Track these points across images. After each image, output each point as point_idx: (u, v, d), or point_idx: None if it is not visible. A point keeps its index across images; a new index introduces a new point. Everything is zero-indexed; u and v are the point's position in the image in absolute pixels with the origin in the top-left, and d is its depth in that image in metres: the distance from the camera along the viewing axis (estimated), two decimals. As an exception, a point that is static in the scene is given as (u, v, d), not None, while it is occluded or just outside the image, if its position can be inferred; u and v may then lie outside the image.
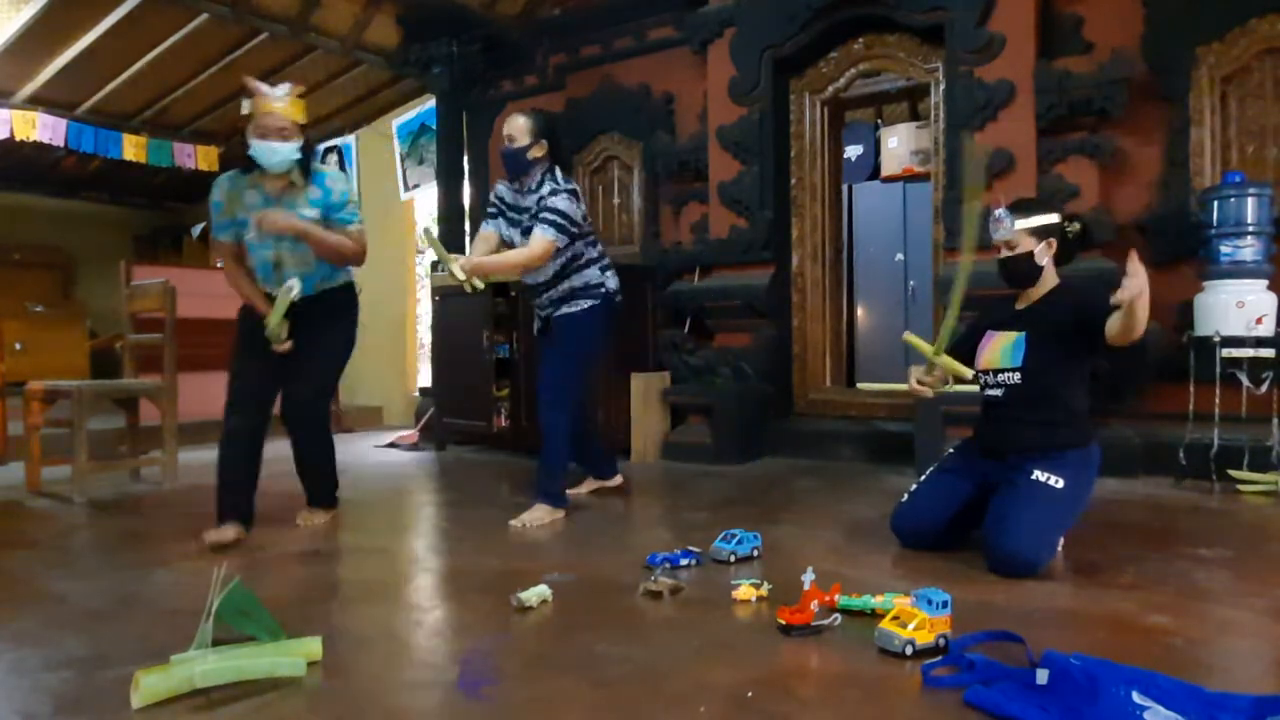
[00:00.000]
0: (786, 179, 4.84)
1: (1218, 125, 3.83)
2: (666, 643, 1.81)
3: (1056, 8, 4.13)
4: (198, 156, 6.88)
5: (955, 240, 4.07)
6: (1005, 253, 2.51)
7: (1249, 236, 3.45)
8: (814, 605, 1.86)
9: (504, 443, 5.00)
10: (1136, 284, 2.09)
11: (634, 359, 4.77)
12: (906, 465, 4.01)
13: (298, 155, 2.75)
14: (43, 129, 6.08)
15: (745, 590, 2.07)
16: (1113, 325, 2.22)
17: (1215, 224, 3.51)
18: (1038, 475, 2.35)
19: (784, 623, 1.83)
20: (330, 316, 2.99)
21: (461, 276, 2.87)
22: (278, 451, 2.98)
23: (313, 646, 1.71)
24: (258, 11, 5.45)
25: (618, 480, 3.66)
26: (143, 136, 6.71)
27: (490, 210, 3.27)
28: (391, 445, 5.54)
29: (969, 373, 2.47)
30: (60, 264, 8.84)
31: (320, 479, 3.12)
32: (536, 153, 3.07)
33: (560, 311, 3.18)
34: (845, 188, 6.00)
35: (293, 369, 2.89)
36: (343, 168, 7.36)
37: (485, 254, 3.14)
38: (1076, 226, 2.54)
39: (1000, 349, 2.52)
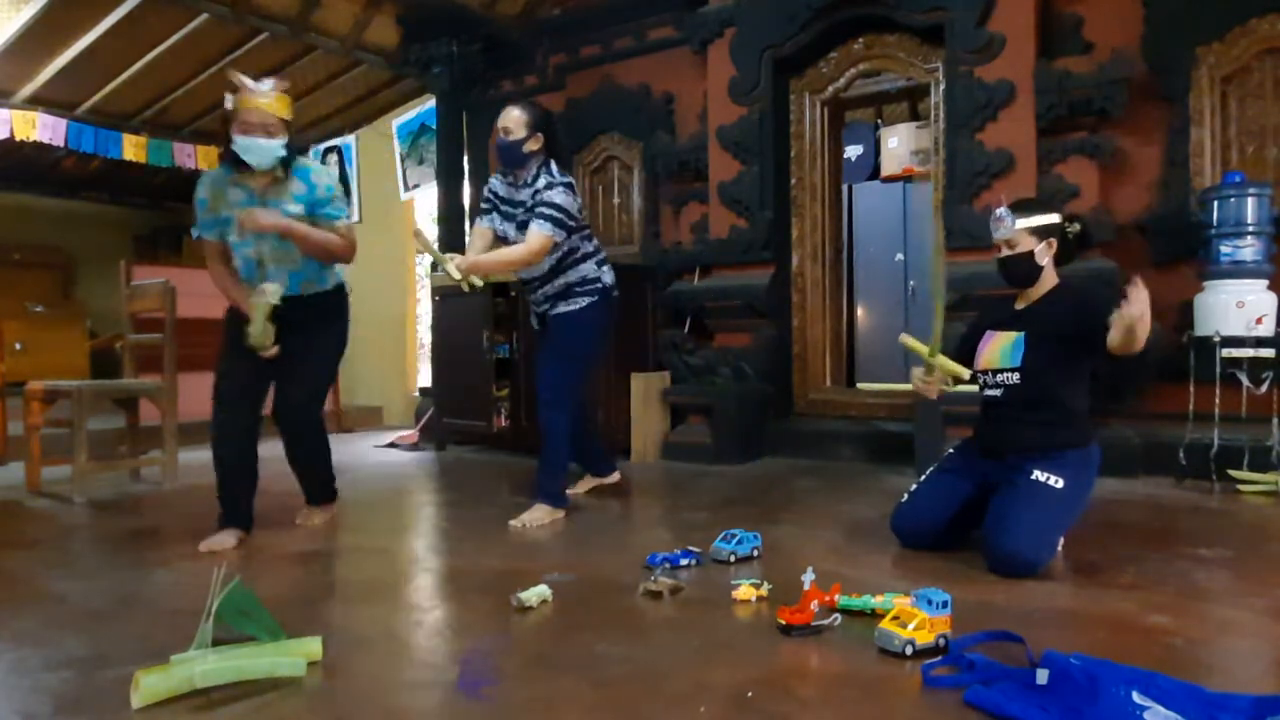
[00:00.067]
0: (786, 179, 4.84)
1: (1218, 125, 3.83)
2: (666, 643, 1.81)
3: (1056, 8, 4.13)
4: (198, 156, 6.88)
5: (954, 241, 4.07)
6: (1005, 252, 2.51)
7: (1249, 236, 3.45)
8: (814, 605, 1.86)
9: (504, 443, 5.00)
10: (1137, 310, 2.09)
11: (634, 359, 4.77)
12: (906, 465, 4.01)
13: (283, 152, 2.68)
14: (43, 129, 6.08)
15: (745, 590, 2.07)
16: (1113, 337, 2.21)
17: (1215, 224, 3.51)
18: (1038, 475, 2.35)
19: (784, 623, 1.83)
20: (322, 320, 2.93)
21: (457, 276, 2.84)
22: (276, 451, 2.98)
23: (313, 646, 1.71)
24: (258, 11, 5.45)
25: (615, 477, 3.66)
26: (143, 136, 6.71)
27: (484, 206, 3.23)
28: (391, 445, 5.54)
29: (966, 373, 2.48)
30: (60, 264, 8.83)
31: (317, 478, 3.09)
32: (532, 146, 3.03)
33: (557, 310, 3.16)
34: (845, 188, 6.00)
35: (284, 371, 2.84)
36: (343, 168, 7.36)
37: (482, 251, 3.11)
38: (1076, 227, 2.54)
39: (999, 349, 2.52)
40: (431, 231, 6.65)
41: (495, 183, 3.20)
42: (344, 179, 7.34)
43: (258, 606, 1.74)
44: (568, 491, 3.25)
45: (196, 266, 2.89)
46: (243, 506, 2.82)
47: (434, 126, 6.31)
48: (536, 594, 2.05)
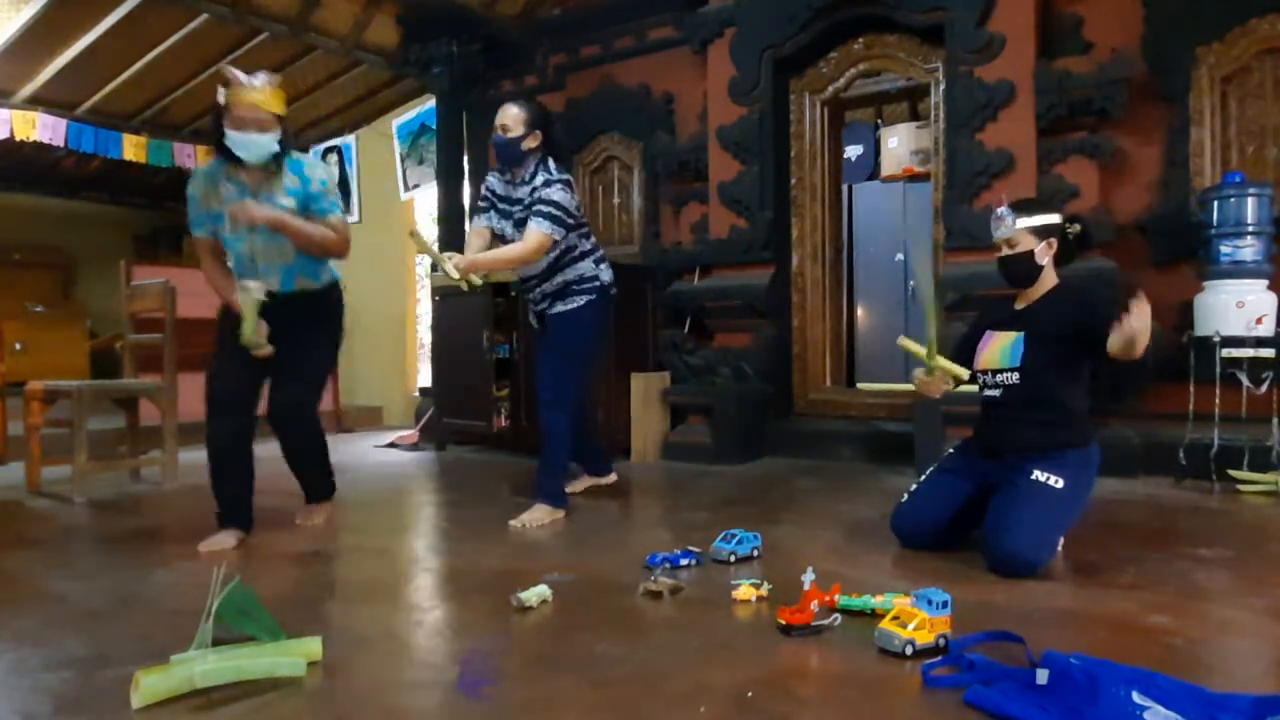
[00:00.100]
0: (786, 179, 4.84)
1: (1218, 125, 3.83)
2: (666, 643, 1.81)
3: (1056, 8, 4.13)
4: (198, 156, 6.87)
5: (954, 240, 4.08)
6: (1005, 251, 2.51)
7: (1249, 236, 3.45)
8: (814, 605, 1.86)
9: (504, 443, 5.00)
10: (1139, 324, 2.09)
11: (634, 359, 4.77)
12: (906, 465, 4.01)
13: (276, 147, 2.64)
14: (43, 129, 6.08)
15: (745, 590, 2.07)
16: (1113, 343, 2.21)
17: (1215, 224, 3.51)
18: (1037, 475, 2.35)
19: (784, 623, 1.83)
20: (316, 317, 2.89)
21: (455, 275, 2.82)
22: (275, 451, 2.97)
23: (313, 646, 1.71)
24: (258, 11, 5.45)
25: (612, 478, 3.65)
26: (143, 136, 6.71)
27: (481, 204, 3.22)
28: (391, 445, 5.54)
29: (966, 373, 2.48)
30: (60, 264, 8.84)
31: (316, 475, 3.07)
32: (530, 143, 3.01)
33: (555, 309, 3.15)
34: (845, 188, 6.00)
35: (279, 369, 2.78)
36: (343, 168, 7.36)
37: (480, 249, 3.08)
38: (1077, 228, 2.55)
39: (999, 349, 2.52)
40: (432, 232, 6.65)
41: (492, 180, 3.19)
42: (344, 179, 7.34)
43: (258, 606, 1.74)
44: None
45: (196, 266, 2.86)
46: (242, 507, 2.80)
47: (434, 126, 6.31)
48: (536, 594, 2.05)
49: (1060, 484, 2.33)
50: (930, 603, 1.71)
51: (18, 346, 7.09)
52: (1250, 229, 3.44)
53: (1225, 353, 3.43)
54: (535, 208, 2.96)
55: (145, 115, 6.89)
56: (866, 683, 1.58)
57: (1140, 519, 2.97)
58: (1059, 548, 2.41)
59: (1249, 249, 3.45)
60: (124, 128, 6.74)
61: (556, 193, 2.96)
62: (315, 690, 1.59)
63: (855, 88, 4.78)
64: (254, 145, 2.61)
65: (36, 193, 8.37)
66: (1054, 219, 2.50)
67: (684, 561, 2.39)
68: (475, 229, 3.21)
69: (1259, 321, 3.41)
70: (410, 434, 5.64)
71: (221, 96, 2.60)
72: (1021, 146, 3.95)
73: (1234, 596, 2.09)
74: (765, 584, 2.10)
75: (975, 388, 2.62)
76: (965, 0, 4.04)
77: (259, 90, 2.59)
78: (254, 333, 2.63)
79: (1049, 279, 2.52)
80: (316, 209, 2.75)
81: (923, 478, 2.65)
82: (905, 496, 2.63)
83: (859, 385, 5.64)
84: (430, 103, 6.52)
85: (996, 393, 2.53)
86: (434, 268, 4.27)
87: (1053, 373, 2.44)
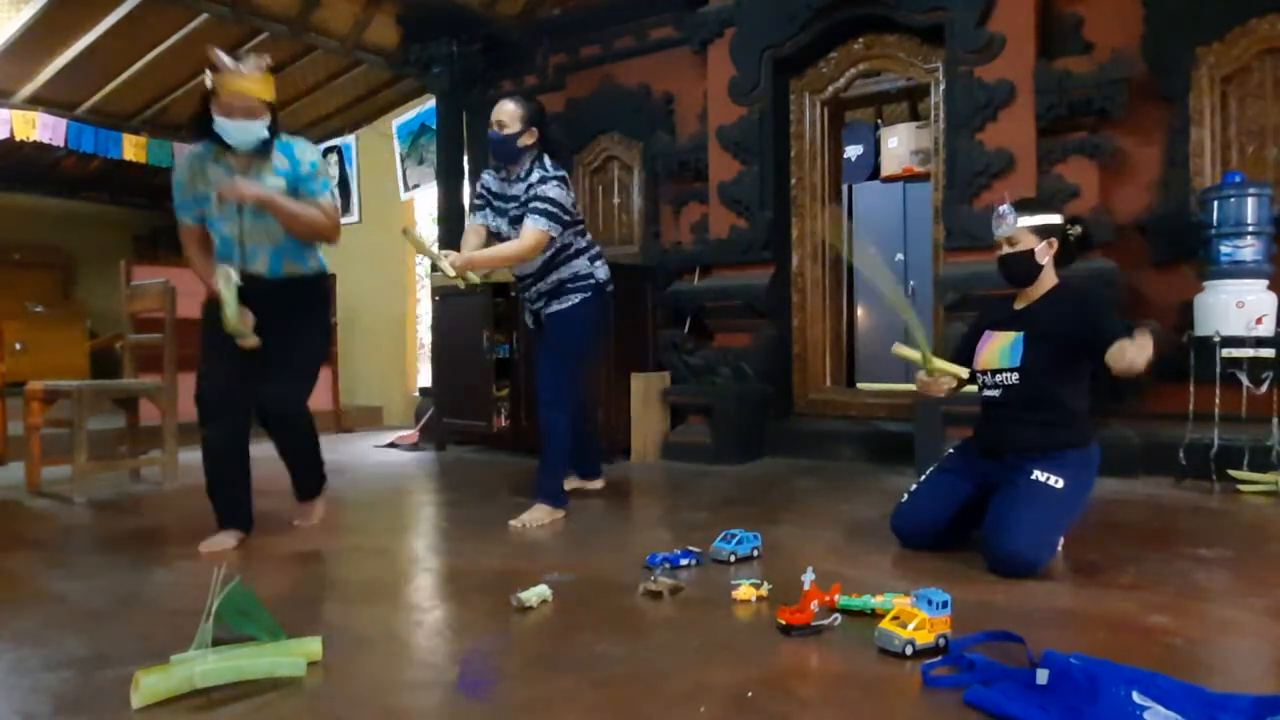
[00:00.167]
0: (786, 179, 4.84)
1: (1218, 125, 3.84)
2: (666, 643, 1.81)
3: (1056, 8, 4.13)
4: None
5: (954, 240, 4.08)
6: (1006, 249, 2.51)
7: (1249, 236, 3.45)
8: (814, 605, 1.86)
9: (504, 443, 5.00)
10: (1140, 360, 2.08)
11: (634, 359, 4.77)
12: (906, 465, 4.01)
13: (265, 134, 2.58)
14: (43, 129, 6.08)
15: (745, 590, 2.07)
16: (1111, 358, 2.20)
17: (1215, 224, 3.51)
18: (1037, 475, 2.35)
19: (784, 623, 1.83)
20: (303, 307, 2.81)
21: (452, 273, 2.81)
22: (272, 451, 2.94)
23: (313, 646, 1.70)
24: (258, 11, 5.45)
25: (599, 484, 3.64)
26: (143, 136, 6.72)
27: (476, 202, 3.20)
28: (391, 445, 5.54)
29: (965, 373, 2.49)
30: (60, 264, 8.84)
31: (308, 470, 3.01)
32: (527, 140, 3.00)
33: (552, 309, 3.14)
34: (845, 188, 6.00)
35: (267, 363, 2.70)
36: (343, 168, 7.36)
37: (476, 247, 3.07)
38: (1078, 230, 2.55)
39: (998, 349, 2.52)
40: (431, 232, 6.65)
41: (488, 178, 3.18)
42: (344, 179, 7.34)
43: (258, 606, 1.74)
44: None
45: (197, 266, 2.86)
46: (242, 507, 2.78)
47: (434, 126, 6.31)
48: (536, 594, 2.05)
49: (1060, 484, 2.33)
50: (930, 603, 1.71)
51: (18, 346, 7.10)
52: (1250, 229, 3.44)
53: (1225, 353, 3.43)
54: (532, 205, 2.94)
55: (145, 115, 6.89)
56: (866, 683, 1.58)
57: (1140, 519, 2.97)
58: (1059, 548, 2.41)
59: (1249, 249, 3.45)
60: (124, 128, 6.74)
61: (553, 189, 2.95)
62: (315, 690, 1.59)
63: (855, 88, 4.78)
64: (243, 132, 2.55)
65: (36, 193, 8.37)
66: (1055, 219, 2.51)
67: (684, 561, 2.38)
68: (471, 226, 3.20)
69: (1259, 321, 3.41)
70: (410, 434, 5.64)
71: (209, 81, 2.53)
72: (1021, 146, 3.95)
73: (1234, 596, 2.09)
74: (765, 584, 2.10)
75: (976, 388, 2.62)
76: (965, 0, 4.04)
77: (247, 77, 2.52)
78: (237, 319, 2.55)
79: (1049, 279, 2.52)
80: (306, 190, 2.69)
81: (923, 478, 2.65)
82: (905, 496, 2.63)
83: (859, 385, 5.65)
84: (430, 103, 6.52)
85: (996, 393, 2.53)
86: (434, 267, 4.27)
87: (1052, 373, 2.44)
